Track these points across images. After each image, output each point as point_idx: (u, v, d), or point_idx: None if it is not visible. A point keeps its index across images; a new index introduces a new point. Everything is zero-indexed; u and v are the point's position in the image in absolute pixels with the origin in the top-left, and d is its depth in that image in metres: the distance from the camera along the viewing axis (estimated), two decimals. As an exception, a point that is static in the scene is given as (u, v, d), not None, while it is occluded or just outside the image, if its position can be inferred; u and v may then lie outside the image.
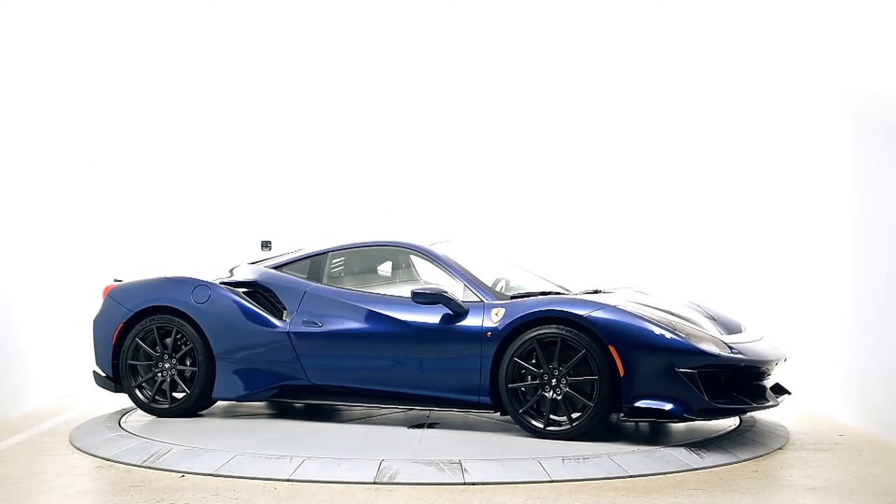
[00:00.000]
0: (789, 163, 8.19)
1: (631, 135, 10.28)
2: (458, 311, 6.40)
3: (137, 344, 7.15)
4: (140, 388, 7.15)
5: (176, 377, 7.09)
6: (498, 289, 6.81)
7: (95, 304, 9.36)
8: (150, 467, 5.49)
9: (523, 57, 10.26)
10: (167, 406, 7.06)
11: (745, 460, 5.63)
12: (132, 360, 7.17)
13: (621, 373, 5.83)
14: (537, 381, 6.07)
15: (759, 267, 8.83)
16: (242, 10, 10.10)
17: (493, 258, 7.65)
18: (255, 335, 6.92)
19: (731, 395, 5.95)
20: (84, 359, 9.00)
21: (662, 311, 6.34)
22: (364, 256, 7.25)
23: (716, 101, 9.64)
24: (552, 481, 5.08)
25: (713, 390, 5.85)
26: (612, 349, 5.87)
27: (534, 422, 6.08)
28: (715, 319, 6.71)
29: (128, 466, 5.55)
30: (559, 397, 6.02)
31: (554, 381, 6.02)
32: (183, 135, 10.76)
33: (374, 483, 5.08)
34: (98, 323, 7.38)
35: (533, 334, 6.09)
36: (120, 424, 6.70)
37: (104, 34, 9.60)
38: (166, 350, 7.12)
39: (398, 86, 10.55)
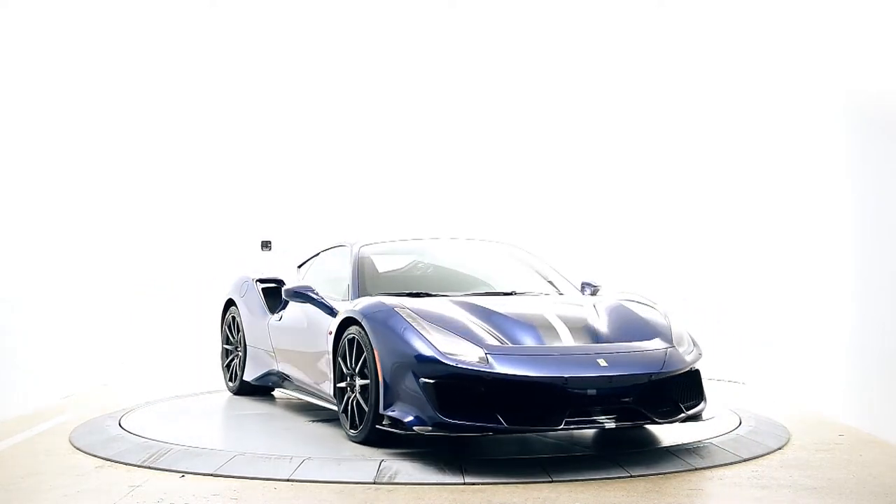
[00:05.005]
0: (790, 161, 8.18)
1: (637, 134, 10.28)
2: (324, 310, 6.60)
3: (225, 331, 8.26)
4: (227, 368, 8.22)
5: (237, 362, 8.03)
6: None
7: (95, 304, 9.36)
8: (150, 467, 5.49)
9: (525, 57, 10.26)
10: (233, 386, 8.10)
11: (745, 460, 5.62)
12: (225, 344, 8.28)
13: (380, 378, 5.60)
14: (347, 382, 6.00)
15: (760, 266, 8.82)
16: (242, 10, 10.11)
17: (504, 259, 7.50)
18: (259, 326, 7.69)
19: (489, 412, 5.32)
20: (84, 358, 9.00)
21: (476, 312, 5.86)
22: (326, 257, 7.54)
23: (716, 101, 9.64)
24: (552, 481, 5.08)
25: (462, 404, 5.34)
26: (375, 352, 5.66)
27: (344, 422, 6.06)
28: (626, 322, 6.02)
29: (128, 466, 5.55)
30: (355, 400, 5.88)
31: (355, 382, 5.90)
32: (183, 135, 10.76)
33: (374, 483, 5.08)
34: None
35: (344, 334, 6.06)
36: (120, 424, 6.70)
37: (105, 34, 9.60)
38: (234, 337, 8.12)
39: (399, 85, 10.55)
